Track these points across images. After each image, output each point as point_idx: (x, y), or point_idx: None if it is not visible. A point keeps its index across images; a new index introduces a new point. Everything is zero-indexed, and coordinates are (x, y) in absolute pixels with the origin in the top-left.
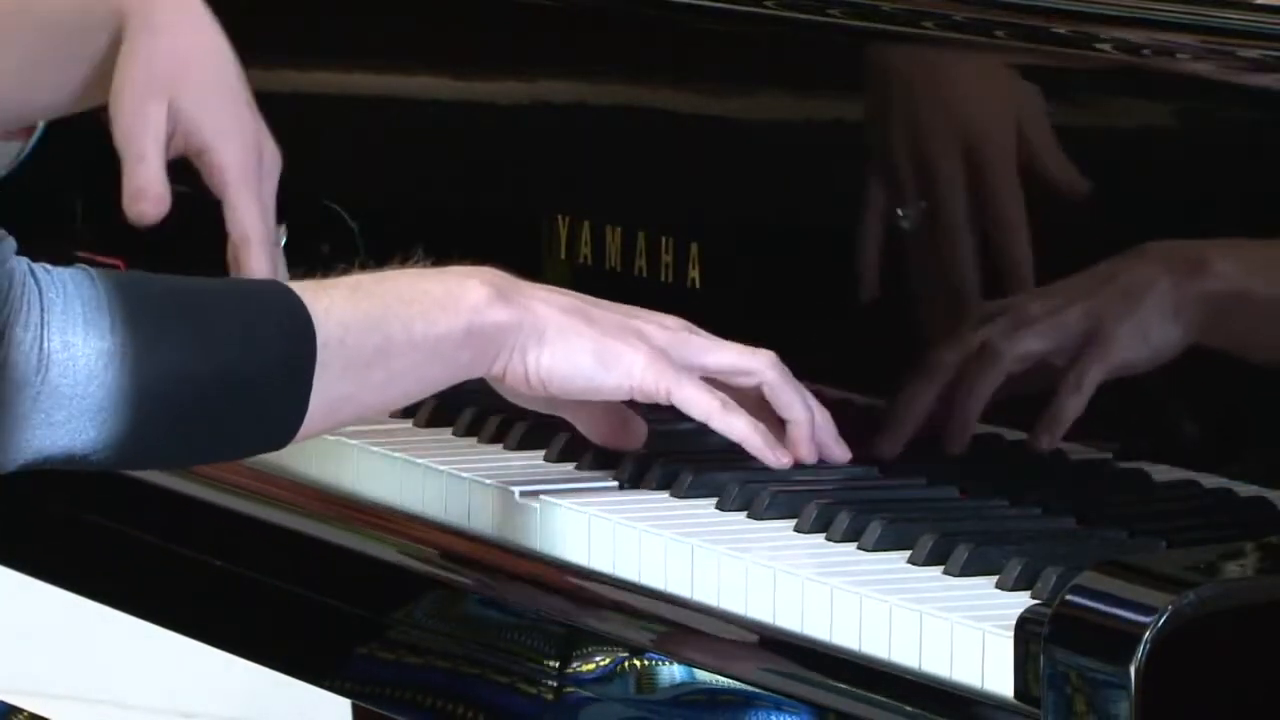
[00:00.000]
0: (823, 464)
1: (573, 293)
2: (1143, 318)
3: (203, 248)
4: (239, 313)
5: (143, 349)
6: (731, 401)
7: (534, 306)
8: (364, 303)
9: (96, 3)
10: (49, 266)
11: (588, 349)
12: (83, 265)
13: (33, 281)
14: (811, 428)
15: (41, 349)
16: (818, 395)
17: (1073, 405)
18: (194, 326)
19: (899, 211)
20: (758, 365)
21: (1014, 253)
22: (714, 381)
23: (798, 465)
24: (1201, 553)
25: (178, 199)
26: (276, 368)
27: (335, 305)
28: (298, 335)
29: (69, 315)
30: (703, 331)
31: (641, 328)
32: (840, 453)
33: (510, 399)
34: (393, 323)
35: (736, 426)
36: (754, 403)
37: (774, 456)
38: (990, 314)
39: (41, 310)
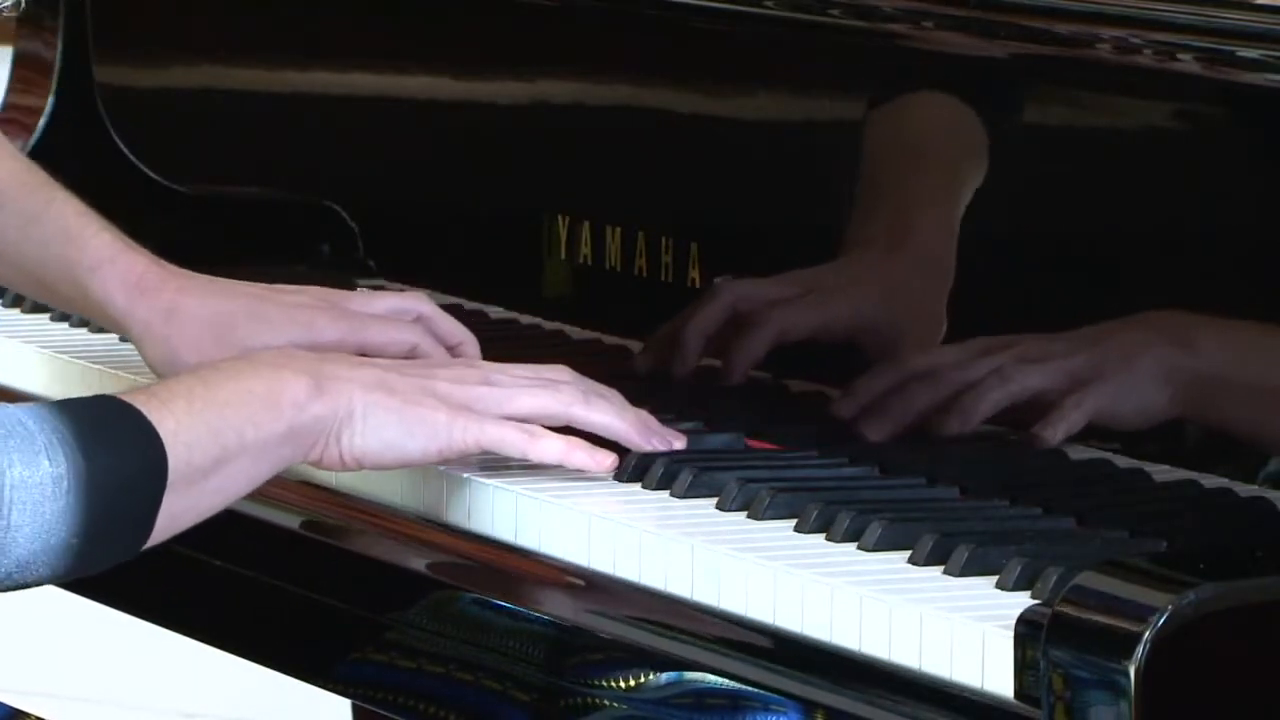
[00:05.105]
0: (823, 464)
1: (378, 361)
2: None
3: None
4: (106, 442)
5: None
6: (538, 428)
7: (343, 390)
8: (202, 415)
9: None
10: None
11: (392, 421)
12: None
13: None
14: (636, 424)
15: None
16: (819, 393)
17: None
18: (83, 451)
19: None
20: (562, 398)
21: (1010, 249)
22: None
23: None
24: (1201, 553)
25: (178, 199)
26: (128, 495)
27: (181, 426)
28: (150, 464)
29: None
30: (504, 375)
31: (439, 389)
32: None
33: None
34: (227, 433)
35: (551, 449)
36: None
37: (595, 463)
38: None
39: None
